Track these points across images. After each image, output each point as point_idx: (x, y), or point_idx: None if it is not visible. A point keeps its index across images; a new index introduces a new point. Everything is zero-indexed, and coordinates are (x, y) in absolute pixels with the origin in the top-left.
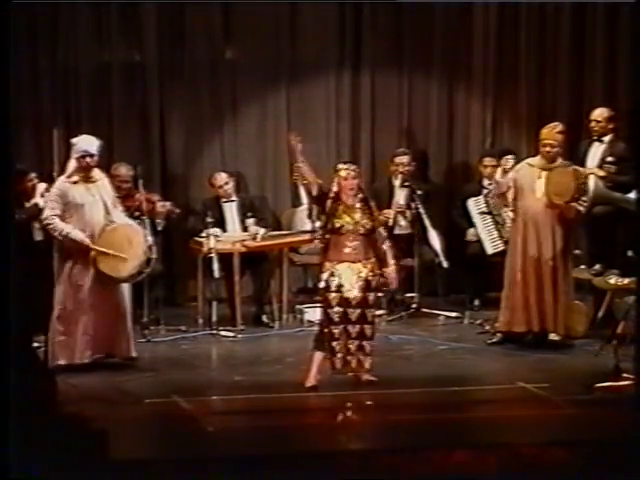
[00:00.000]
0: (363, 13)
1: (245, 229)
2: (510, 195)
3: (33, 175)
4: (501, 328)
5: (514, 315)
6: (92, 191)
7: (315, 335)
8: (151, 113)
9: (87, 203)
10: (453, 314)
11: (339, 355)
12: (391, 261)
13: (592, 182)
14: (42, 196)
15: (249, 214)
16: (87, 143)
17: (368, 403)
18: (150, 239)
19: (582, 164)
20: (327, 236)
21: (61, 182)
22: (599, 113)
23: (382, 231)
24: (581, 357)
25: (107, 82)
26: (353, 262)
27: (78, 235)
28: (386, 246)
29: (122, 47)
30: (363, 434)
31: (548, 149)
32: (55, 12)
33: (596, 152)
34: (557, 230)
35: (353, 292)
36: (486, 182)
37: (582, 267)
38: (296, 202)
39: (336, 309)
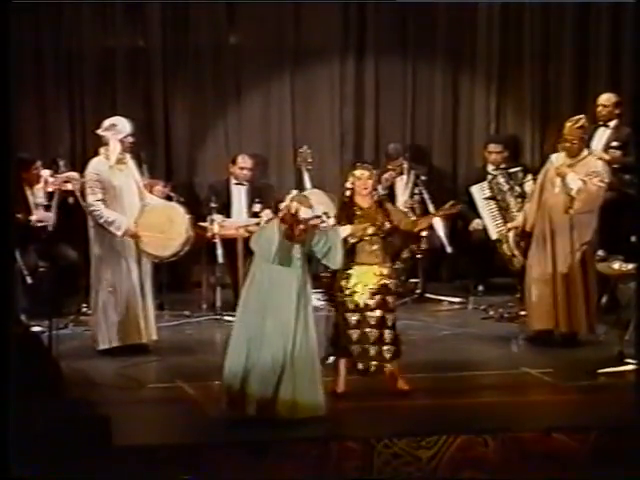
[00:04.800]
0: None
1: (253, 214)
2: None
3: (39, 163)
4: (529, 326)
5: (536, 313)
6: (125, 173)
7: (330, 339)
8: (155, 99)
9: (123, 185)
10: (457, 299)
11: (359, 361)
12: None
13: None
14: (46, 183)
15: (256, 200)
16: (126, 124)
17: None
18: (187, 217)
19: (588, 149)
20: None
21: (97, 165)
22: (607, 98)
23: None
24: (585, 343)
25: (111, 67)
26: (370, 265)
27: (123, 223)
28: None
29: (126, 32)
30: (365, 420)
31: (568, 145)
32: None
33: (601, 137)
34: (575, 226)
35: (368, 296)
36: (490, 168)
37: None
38: (300, 187)
39: (353, 313)
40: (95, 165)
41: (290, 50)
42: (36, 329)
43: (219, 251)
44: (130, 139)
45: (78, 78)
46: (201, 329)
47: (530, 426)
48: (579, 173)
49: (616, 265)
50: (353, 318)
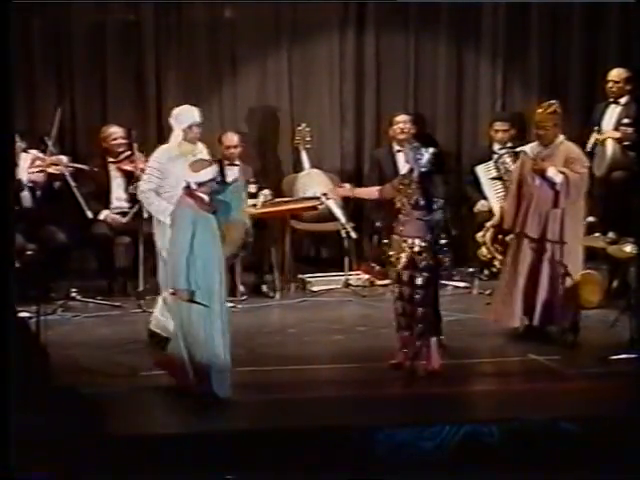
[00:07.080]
0: None
1: (249, 196)
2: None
3: (17, 139)
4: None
5: (506, 307)
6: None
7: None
8: (147, 74)
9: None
10: (462, 284)
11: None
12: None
13: (610, 147)
14: (32, 163)
15: (251, 180)
16: (192, 112)
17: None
18: (247, 222)
19: (598, 126)
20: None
21: (160, 153)
22: (617, 74)
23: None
24: (595, 328)
25: (102, 42)
26: (402, 237)
27: (170, 210)
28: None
29: (117, 5)
30: (368, 408)
31: (542, 132)
32: None
33: (612, 114)
34: (565, 218)
35: (400, 269)
36: (496, 147)
37: (596, 235)
38: (298, 167)
39: (394, 284)
40: (158, 153)
41: (287, 23)
42: (23, 314)
43: None
44: (196, 129)
45: (67, 53)
46: None
47: (538, 414)
48: (557, 164)
49: (628, 248)
50: (395, 289)
